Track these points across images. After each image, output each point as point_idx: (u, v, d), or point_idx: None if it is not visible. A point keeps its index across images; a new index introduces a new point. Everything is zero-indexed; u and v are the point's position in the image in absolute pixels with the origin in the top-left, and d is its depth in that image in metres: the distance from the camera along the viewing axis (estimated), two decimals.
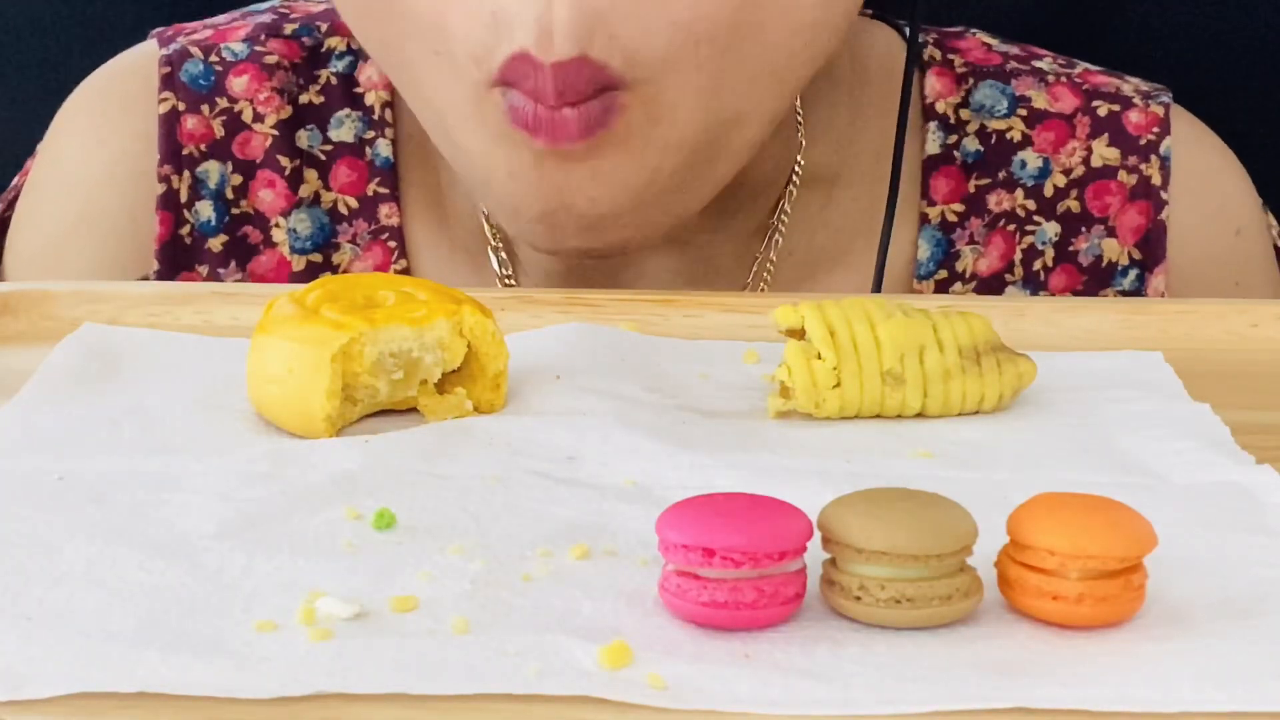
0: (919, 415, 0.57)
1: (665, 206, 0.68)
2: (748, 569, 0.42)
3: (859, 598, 0.43)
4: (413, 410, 0.57)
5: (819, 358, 0.56)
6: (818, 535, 0.43)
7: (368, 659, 0.41)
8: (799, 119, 0.78)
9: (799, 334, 0.57)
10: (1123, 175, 0.78)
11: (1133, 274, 0.77)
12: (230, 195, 0.79)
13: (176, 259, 0.79)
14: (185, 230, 0.79)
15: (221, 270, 0.79)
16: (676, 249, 0.77)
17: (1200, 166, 0.80)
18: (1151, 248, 0.78)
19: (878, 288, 0.75)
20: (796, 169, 0.77)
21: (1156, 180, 0.78)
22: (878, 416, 0.57)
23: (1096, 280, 0.78)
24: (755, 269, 0.77)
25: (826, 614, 0.44)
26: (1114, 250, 0.77)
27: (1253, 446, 0.54)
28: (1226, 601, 0.44)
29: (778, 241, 0.77)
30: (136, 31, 0.85)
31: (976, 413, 0.57)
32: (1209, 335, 0.66)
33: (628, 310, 0.66)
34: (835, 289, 0.78)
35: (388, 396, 0.56)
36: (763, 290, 0.77)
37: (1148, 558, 0.43)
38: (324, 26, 0.82)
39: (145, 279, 0.78)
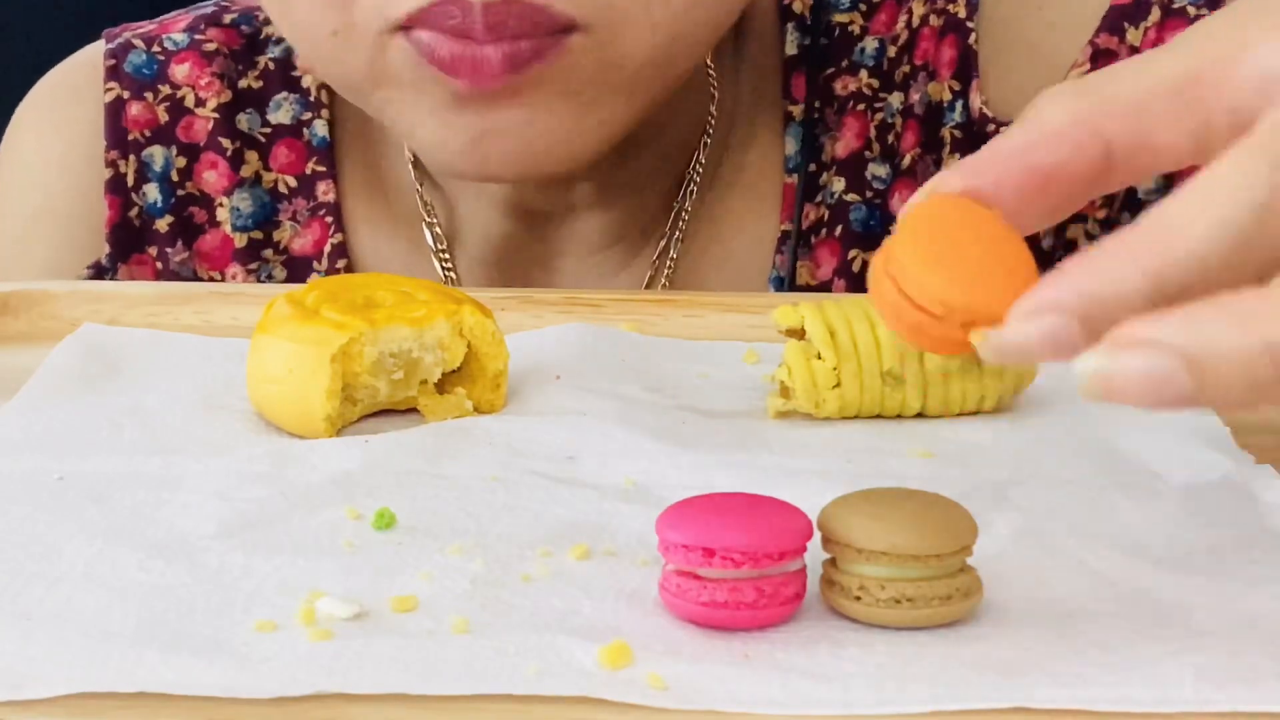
0: (919, 415, 0.57)
1: (601, 134, 0.68)
2: (748, 569, 0.42)
3: (859, 598, 0.43)
4: (413, 410, 0.57)
5: (819, 358, 0.56)
6: (818, 535, 0.43)
7: (368, 659, 0.41)
8: (710, 68, 0.79)
9: (799, 334, 0.57)
10: (933, 19, 0.79)
11: (959, 105, 0.77)
12: (175, 177, 0.82)
13: (127, 241, 0.82)
14: (134, 213, 0.82)
15: (169, 250, 0.81)
16: (604, 210, 0.78)
17: None
18: (965, 71, 0.78)
19: (798, 217, 0.76)
20: (710, 119, 0.78)
21: (962, 14, 0.78)
22: (878, 416, 0.57)
23: (931, 124, 0.78)
24: (672, 218, 0.78)
25: (826, 614, 0.44)
26: (937, 90, 0.78)
27: (1253, 446, 0.54)
28: (1226, 602, 0.44)
29: (692, 192, 0.78)
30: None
31: (976, 413, 0.57)
32: None
33: (628, 310, 0.66)
34: (751, 228, 0.79)
35: (388, 396, 0.56)
36: (679, 235, 0.78)
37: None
38: (262, 16, 0.85)
39: (97, 262, 0.81)
